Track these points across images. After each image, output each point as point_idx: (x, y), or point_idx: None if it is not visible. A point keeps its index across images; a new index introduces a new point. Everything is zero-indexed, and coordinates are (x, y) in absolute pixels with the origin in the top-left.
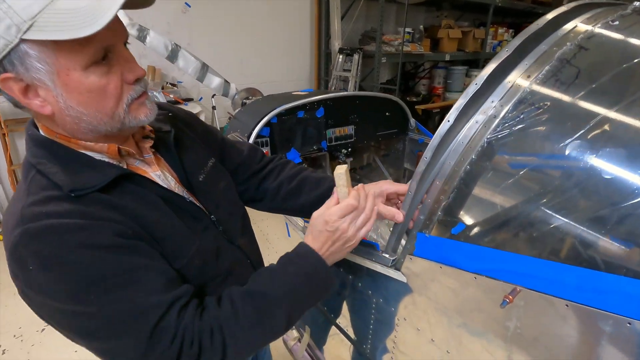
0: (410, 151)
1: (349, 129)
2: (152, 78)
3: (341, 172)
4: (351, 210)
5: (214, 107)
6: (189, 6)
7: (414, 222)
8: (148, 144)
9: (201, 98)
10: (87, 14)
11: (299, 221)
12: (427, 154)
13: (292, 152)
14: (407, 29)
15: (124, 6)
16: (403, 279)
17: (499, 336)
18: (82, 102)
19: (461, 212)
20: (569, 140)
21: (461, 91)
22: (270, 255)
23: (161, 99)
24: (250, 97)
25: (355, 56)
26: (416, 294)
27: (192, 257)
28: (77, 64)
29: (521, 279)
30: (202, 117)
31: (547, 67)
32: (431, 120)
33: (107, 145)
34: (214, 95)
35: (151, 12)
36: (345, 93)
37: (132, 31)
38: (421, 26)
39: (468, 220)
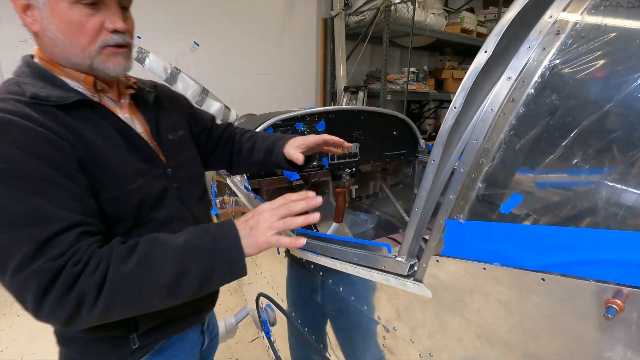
0: (420, 176)
1: (353, 147)
2: None
3: None
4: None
5: None
6: (198, 45)
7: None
8: (128, 92)
9: None
10: None
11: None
12: (457, 100)
13: None
14: (412, 69)
15: None
16: (427, 293)
17: None
18: (61, 29)
19: (515, 180)
20: None
21: None
22: (253, 269)
23: None
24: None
25: (361, 94)
26: (446, 314)
27: (131, 190)
28: None
29: (633, 273)
30: None
31: None
32: None
33: (84, 76)
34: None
35: (160, 49)
36: (348, 107)
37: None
38: (425, 67)
39: (526, 191)
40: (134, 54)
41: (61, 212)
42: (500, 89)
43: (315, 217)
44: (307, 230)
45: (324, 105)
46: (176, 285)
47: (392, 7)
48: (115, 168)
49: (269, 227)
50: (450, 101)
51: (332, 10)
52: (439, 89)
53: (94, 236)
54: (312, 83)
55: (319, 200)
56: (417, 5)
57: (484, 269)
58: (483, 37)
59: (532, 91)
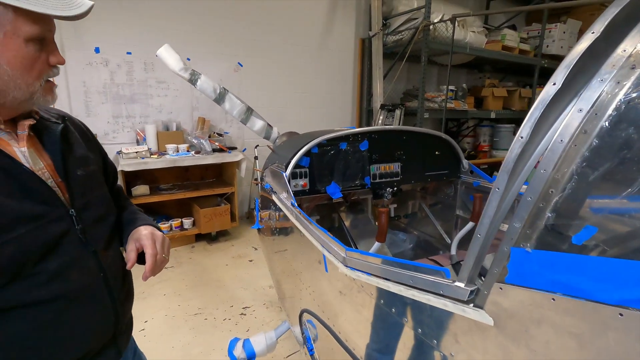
0: (463, 196)
1: (395, 166)
2: (202, 128)
3: None
4: None
5: (256, 157)
6: (241, 65)
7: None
8: (28, 122)
9: (245, 149)
10: (61, 2)
11: (341, 251)
12: (524, 131)
13: (332, 186)
14: (450, 87)
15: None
16: (488, 320)
17: None
18: (12, 63)
19: (587, 212)
20: None
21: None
22: (296, 285)
23: (208, 146)
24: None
25: (397, 111)
26: (510, 344)
27: (8, 240)
28: (24, 33)
29: None
30: (243, 166)
31: None
32: None
33: None
34: (257, 146)
35: (206, 69)
36: (391, 127)
37: (185, 75)
38: (464, 84)
39: (599, 223)
40: (187, 75)
41: None
42: (571, 121)
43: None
44: (366, 252)
45: (360, 123)
46: None
47: (431, 27)
48: None
49: None
50: (490, 119)
51: (370, 30)
52: (478, 107)
53: None
54: (348, 101)
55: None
56: (456, 23)
57: (553, 299)
58: (526, 53)
59: (607, 124)
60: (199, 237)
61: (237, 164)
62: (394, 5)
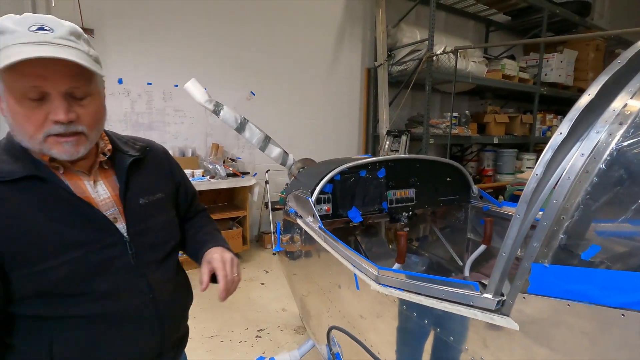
0: (473, 220)
1: (410, 192)
2: (215, 153)
3: None
4: None
5: (267, 182)
6: (254, 94)
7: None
8: (101, 159)
9: (255, 174)
10: (16, 55)
11: (373, 270)
12: (538, 169)
13: (353, 210)
14: (454, 114)
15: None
16: (514, 326)
17: None
18: (13, 118)
19: (592, 233)
20: None
21: (513, 173)
22: (324, 303)
23: (222, 171)
24: (305, 167)
25: (403, 137)
26: (534, 344)
27: (59, 265)
28: (13, 94)
29: None
30: (256, 190)
31: None
32: None
33: (41, 155)
34: (268, 170)
35: (222, 97)
36: (406, 155)
37: (210, 106)
38: (467, 111)
39: (602, 242)
40: (211, 106)
41: None
42: (576, 162)
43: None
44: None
45: (366, 148)
46: None
47: (434, 58)
48: (43, 243)
49: None
50: (493, 144)
51: (376, 60)
52: (481, 132)
53: None
54: (355, 127)
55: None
56: (458, 55)
57: (569, 305)
58: (525, 82)
59: (603, 166)
60: None
61: (249, 188)
62: (398, 37)
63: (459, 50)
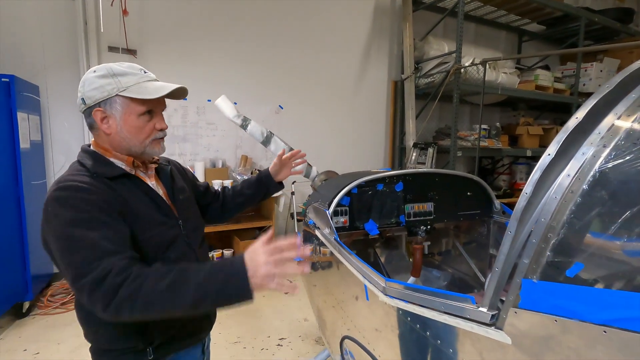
0: (496, 236)
1: (428, 206)
2: (244, 165)
3: None
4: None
5: (292, 193)
6: (282, 108)
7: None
8: (153, 166)
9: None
10: (154, 90)
11: (381, 282)
12: (528, 188)
13: (370, 223)
14: (483, 126)
15: (169, 96)
16: (507, 339)
17: None
18: (129, 131)
19: (577, 251)
20: None
21: None
22: (337, 312)
23: None
24: (328, 179)
25: (430, 150)
26: (525, 358)
27: (153, 235)
28: (136, 112)
29: None
30: (282, 201)
31: None
32: None
33: (127, 157)
34: (294, 182)
35: (251, 111)
36: (424, 169)
37: (238, 121)
38: (497, 123)
39: (585, 260)
40: (239, 121)
41: (105, 242)
42: (562, 181)
43: (307, 269)
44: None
45: (393, 161)
46: (193, 308)
47: (462, 69)
48: (142, 219)
49: (266, 275)
50: (525, 157)
51: (403, 74)
52: (512, 145)
53: (131, 259)
54: (381, 139)
55: (307, 250)
56: (487, 66)
57: (556, 320)
58: (561, 92)
59: (586, 186)
60: None
61: (275, 199)
62: (425, 50)
63: (488, 62)
